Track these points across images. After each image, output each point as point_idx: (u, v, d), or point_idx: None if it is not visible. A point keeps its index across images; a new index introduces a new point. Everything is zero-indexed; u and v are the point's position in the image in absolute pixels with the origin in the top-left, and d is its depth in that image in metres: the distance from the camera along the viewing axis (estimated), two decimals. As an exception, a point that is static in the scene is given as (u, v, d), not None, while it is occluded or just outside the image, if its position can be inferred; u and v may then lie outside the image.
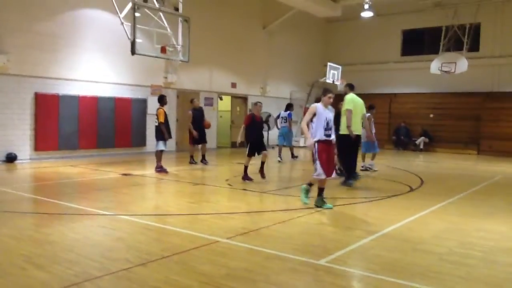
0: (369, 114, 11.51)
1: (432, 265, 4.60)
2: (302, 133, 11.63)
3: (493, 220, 6.83)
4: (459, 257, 4.87)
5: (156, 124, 10.94)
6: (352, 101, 9.65)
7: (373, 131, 12.26)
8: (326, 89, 7.43)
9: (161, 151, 10.95)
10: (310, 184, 7.41)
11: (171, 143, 15.02)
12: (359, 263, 4.70)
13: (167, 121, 11.11)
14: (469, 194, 9.44)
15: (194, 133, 12.66)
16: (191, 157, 12.98)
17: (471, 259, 4.83)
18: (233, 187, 9.22)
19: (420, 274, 4.30)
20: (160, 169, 10.89)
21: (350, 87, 10.01)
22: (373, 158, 12.64)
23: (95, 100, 14.53)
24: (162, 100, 11.20)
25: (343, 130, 9.54)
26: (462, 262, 4.70)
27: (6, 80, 12.56)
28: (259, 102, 10.28)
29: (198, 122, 12.78)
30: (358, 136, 9.85)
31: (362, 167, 12.23)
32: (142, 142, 15.91)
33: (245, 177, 9.74)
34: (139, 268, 4.29)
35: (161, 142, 10.95)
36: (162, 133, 10.83)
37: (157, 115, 10.96)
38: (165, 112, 11.01)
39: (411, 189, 9.42)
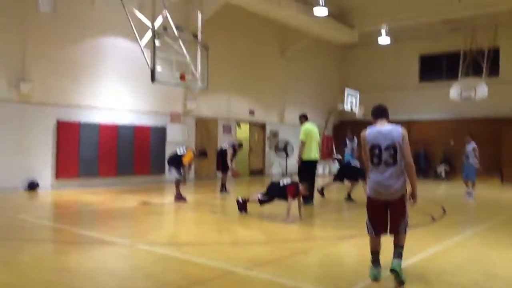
0: (474, 145, 12.86)
1: (457, 298, 4.45)
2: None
3: (519, 250, 6.61)
4: (485, 290, 4.70)
5: (179, 154, 10.88)
6: (306, 130, 10.51)
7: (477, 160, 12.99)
8: None
9: (179, 180, 10.92)
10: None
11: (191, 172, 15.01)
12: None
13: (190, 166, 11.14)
14: (493, 224, 9.19)
15: (235, 169, 12.76)
16: (223, 185, 12.88)
17: (498, 292, 4.65)
18: (252, 215, 9.13)
19: (445, 308, 4.15)
20: (179, 197, 10.87)
21: (305, 118, 10.87)
22: (473, 185, 13.06)
23: (115, 128, 14.73)
24: (203, 154, 11.45)
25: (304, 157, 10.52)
26: (488, 295, 4.53)
27: (30, 108, 12.85)
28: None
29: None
30: (317, 161, 10.75)
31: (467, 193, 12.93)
32: (161, 169, 15.97)
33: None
34: (156, 299, 4.24)
35: (174, 170, 10.92)
36: (184, 173, 10.87)
37: (183, 155, 10.81)
38: (192, 158, 10.92)
39: (433, 219, 9.21)
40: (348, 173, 11.70)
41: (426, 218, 9.14)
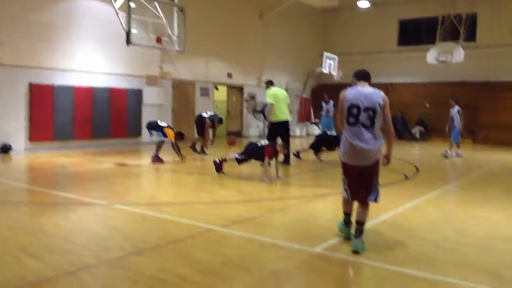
0: (458, 108, 13.50)
1: (427, 251, 4.61)
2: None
3: (487, 207, 6.85)
4: (454, 244, 4.88)
5: (160, 125, 10.94)
6: (272, 93, 10.66)
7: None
8: None
9: (162, 142, 10.93)
10: None
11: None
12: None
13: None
14: (465, 182, 9.48)
15: (210, 141, 12.79)
16: (201, 147, 12.86)
17: (466, 245, 4.84)
18: (229, 176, 9.19)
19: (415, 260, 4.31)
20: (157, 158, 10.85)
21: (270, 83, 11.05)
22: (451, 146, 13.82)
23: (90, 90, 14.44)
24: (181, 136, 11.26)
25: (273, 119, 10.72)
26: (457, 249, 4.72)
27: (1, 71, 12.45)
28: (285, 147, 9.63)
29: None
30: (287, 122, 10.80)
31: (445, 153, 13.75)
32: (137, 132, 15.83)
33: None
34: (135, 257, 4.28)
35: (156, 133, 10.91)
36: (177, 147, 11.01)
37: (165, 131, 10.85)
38: (174, 136, 10.96)
39: (406, 178, 9.44)
40: (324, 143, 11.85)
41: (400, 177, 9.36)
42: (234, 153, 9.33)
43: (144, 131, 15.66)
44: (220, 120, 13.16)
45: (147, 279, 3.76)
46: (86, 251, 4.45)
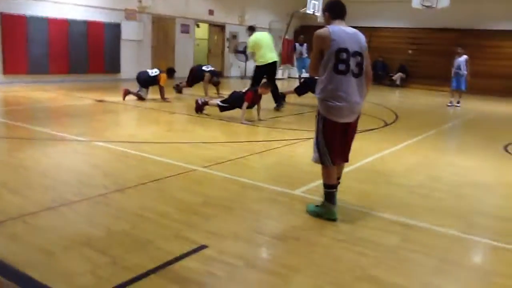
0: (467, 57, 13.61)
1: (402, 197, 4.77)
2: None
3: (463, 155, 7.06)
4: (428, 190, 5.05)
5: (153, 75, 10.79)
6: (252, 41, 10.50)
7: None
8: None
9: (140, 97, 10.84)
10: None
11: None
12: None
13: None
14: (442, 130, 9.68)
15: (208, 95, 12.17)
16: (177, 85, 12.69)
17: (439, 192, 5.02)
18: (211, 117, 9.15)
19: (391, 205, 4.47)
20: (127, 93, 10.82)
21: (251, 29, 10.90)
22: (460, 96, 13.96)
23: (66, 23, 13.87)
24: (173, 72, 11.32)
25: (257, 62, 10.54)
26: (431, 195, 4.88)
27: (-31, -3, 11.83)
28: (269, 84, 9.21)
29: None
30: (275, 63, 10.61)
31: (450, 103, 13.86)
32: (116, 68, 15.47)
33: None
34: (116, 194, 4.31)
35: (144, 90, 10.87)
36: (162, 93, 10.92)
37: (159, 78, 10.76)
38: (166, 79, 10.92)
39: (386, 124, 9.56)
40: (311, 88, 11.49)
41: (379, 123, 9.48)
42: (217, 99, 9.27)
43: (124, 68, 15.41)
44: (220, 74, 12.87)
45: (128, 215, 3.81)
46: (67, 187, 4.46)
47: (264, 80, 9.45)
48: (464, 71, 13.78)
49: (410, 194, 4.89)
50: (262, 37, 10.64)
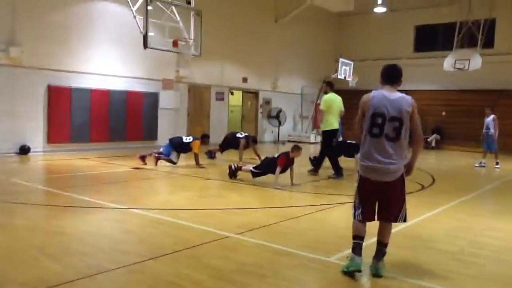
0: (494, 116, 13.46)
1: (442, 263, 4.59)
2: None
3: (503, 219, 6.78)
4: (470, 256, 4.85)
5: (186, 142, 11.03)
6: (326, 101, 10.16)
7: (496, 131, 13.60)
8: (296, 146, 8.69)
9: (171, 162, 11.03)
10: None
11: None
12: (370, 261, 4.69)
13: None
14: (481, 193, 9.38)
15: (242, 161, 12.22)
16: (210, 151, 12.85)
17: (481, 258, 4.81)
18: (244, 182, 9.22)
19: (430, 272, 4.30)
20: (143, 158, 11.11)
21: (330, 86, 10.48)
22: (496, 156, 13.68)
23: (107, 93, 14.63)
24: (207, 138, 11.68)
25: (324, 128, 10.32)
26: (472, 261, 4.69)
27: (20, 72, 12.69)
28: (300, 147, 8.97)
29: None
30: (336, 131, 10.42)
31: (479, 164, 13.67)
32: (153, 135, 16.00)
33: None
34: (151, 262, 4.33)
35: (175, 154, 11.02)
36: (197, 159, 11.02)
37: (192, 145, 10.97)
38: (200, 145, 11.18)
39: (423, 187, 9.37)
40: (343, 150, 11.44)
41: (416, 186, 9.29)
42: (250, 165, 9.38)
43: (160, 135, 15.87)
44: (255, 140, 13.00)
45: (164, 284, 3.81)
46: (103, 254, 4.52)
47: (295, 144, 9.47)
48: (492, 130, 13.58)
49: (450, 260, 4.69)
50: (336, 100, 10.30)
